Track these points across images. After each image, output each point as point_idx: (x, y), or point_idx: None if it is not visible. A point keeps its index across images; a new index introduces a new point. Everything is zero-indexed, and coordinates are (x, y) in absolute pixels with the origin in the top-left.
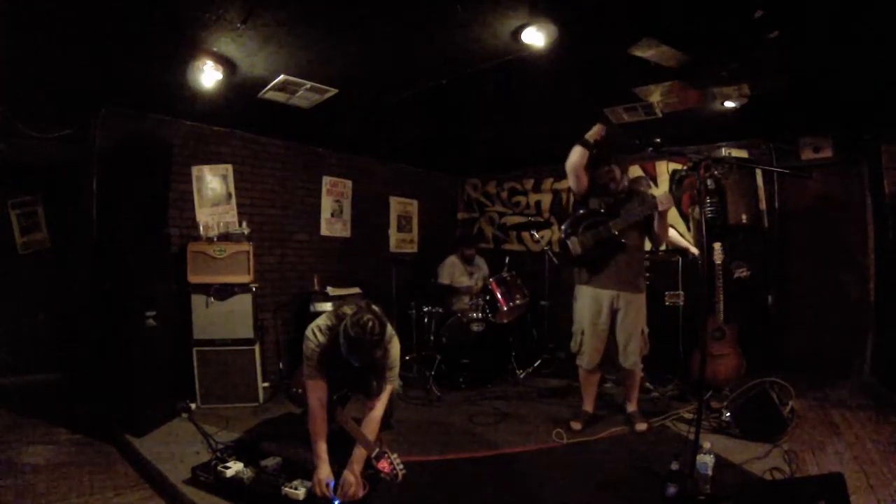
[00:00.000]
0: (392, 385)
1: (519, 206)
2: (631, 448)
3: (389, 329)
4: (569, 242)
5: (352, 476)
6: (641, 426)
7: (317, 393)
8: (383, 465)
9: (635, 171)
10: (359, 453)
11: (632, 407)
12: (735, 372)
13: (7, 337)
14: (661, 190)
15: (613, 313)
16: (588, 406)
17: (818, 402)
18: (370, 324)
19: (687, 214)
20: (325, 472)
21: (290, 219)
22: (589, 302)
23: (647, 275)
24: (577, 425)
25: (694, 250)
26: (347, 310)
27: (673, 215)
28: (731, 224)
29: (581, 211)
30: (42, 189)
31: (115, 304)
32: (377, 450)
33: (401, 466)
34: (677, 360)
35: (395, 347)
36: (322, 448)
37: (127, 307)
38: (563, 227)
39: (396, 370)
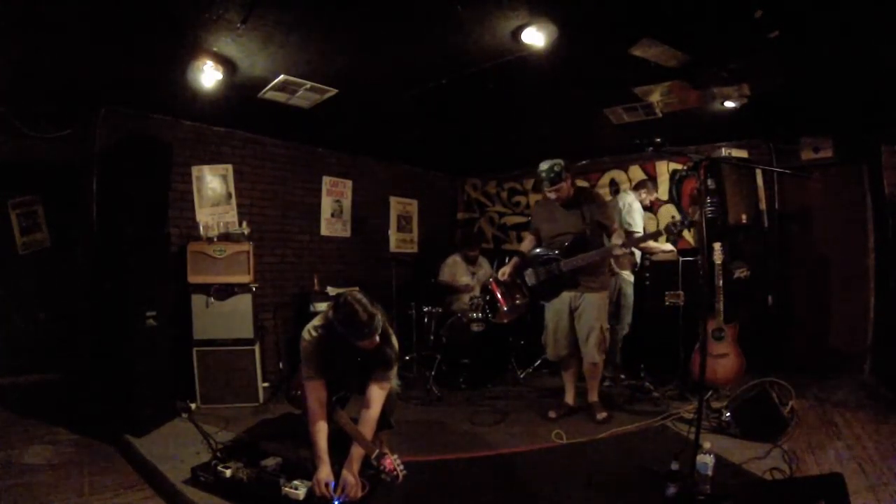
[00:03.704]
0: (390, 384)
1: (519, 206)
2: (631, 448)
3: (387, 327)
4: (525, 274)
5: (351, 476)
6: (602, 414)
7: (316, 393)
8: (384, 466)
9: (635, 171)
10: (356, 452)
11: (592, 397)
12: (735, 372)
13: (7, 337)
14: (661, 189)
15: (572, 311)
16: (568, 398)
17: (818, 402)
18: (356, 295)
19: (687, 214)
20: (325, 472)
21: (290, 219)
22: (553, 304)
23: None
24: (552, 413)
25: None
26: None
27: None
28: (730, 224)
29: (538, 250)
30: (42, 189)
31: (115, 304)
32: (377, 450)
33: (401, 467)
34: (677, 360)
35: (394, 345)
36: (322, 449)
37: (127, 307)
38: (524, 262)
39: (395, 370)
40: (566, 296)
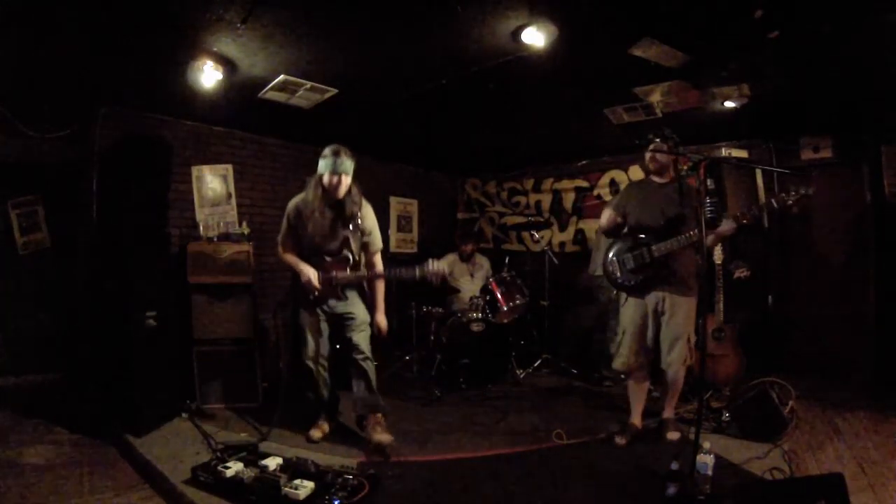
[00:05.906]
0: (380, 247)
1: (519, 206)
2: (631, 448)
3: (363, 202)
4: (609, 266)
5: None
6: (673, 435)
7: (290, 241)
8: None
9: (635, 171)
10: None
11: (667, 413)
12: (735, 372)
13: (7, 337)
14: None
15: (658, 316)
16: (636, 419)
17: (818, 402)
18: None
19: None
20: (308, 269)
21: None
22: (634, 304)
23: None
24: (621, 440)
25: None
26: None
27: None
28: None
29: (623, 234)
30: (42, 189)
31: (115, 304)
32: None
33: None
34: None
35: (369, 210)
36: (297, 259)
37: (127, 307)
38: (609, 253)
39: (377, 234)
40: (651, 297)
